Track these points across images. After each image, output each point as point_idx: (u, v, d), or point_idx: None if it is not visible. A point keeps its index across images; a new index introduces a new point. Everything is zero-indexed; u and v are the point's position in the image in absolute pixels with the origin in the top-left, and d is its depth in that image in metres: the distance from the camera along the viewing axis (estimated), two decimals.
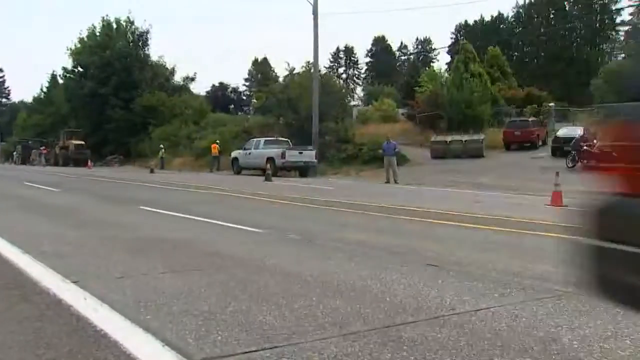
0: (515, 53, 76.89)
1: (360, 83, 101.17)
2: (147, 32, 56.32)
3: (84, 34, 55.74)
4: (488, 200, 15.29)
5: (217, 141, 37.92)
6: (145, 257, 5.70)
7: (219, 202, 13.00)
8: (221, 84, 78.26)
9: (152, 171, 33.44)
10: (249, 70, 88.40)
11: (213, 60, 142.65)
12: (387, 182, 23.90)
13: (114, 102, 50.64)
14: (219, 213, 10.33)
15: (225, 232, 7.70)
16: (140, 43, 56.02)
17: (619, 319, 3.67)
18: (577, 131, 29.09)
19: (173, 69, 59.01)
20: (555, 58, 69.60)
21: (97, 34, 55.40)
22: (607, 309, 3.87)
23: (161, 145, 42.02)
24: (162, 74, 56.65)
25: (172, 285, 4.42)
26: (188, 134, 46.12)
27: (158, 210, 10.48)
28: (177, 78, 59.58)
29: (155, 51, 79.25)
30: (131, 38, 55.80)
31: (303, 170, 29.54)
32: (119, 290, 4.19)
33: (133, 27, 56.18)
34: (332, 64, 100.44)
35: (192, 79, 60.51)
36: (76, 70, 55.65)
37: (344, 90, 42.98)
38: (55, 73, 66.46)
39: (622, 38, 74.33)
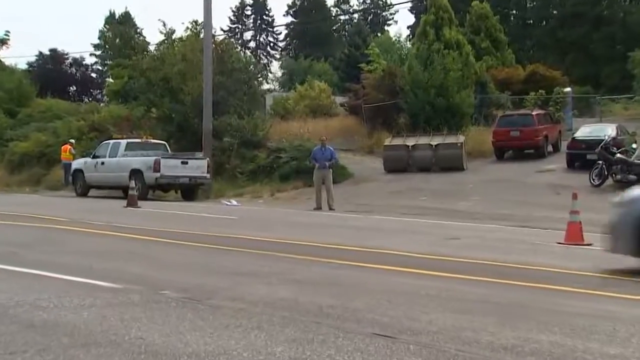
0: (514, 12, 78.82)
1: (278, 56, 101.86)
2: None
3: None
4: (468, 235, 15.63)
5: (72, 140, 36.84)
6: None
7: (51, 242, 12.66)
8: (54, 51, 76.50)
9: None
10: (101, 32, 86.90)
11: (40, 14, 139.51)
12: (319, 208, 24.01)
13: None
14: (52, 259, 10.07)
15: (62, 290, 7.52)
16: None
17: None
18: (606, 131, 29.96)
19: None
20: (574, 19, 69.78)
21: None
22: None
23: None
24: None
25: None
26: None
27: None
28: None
29: None
30: None
31: (188, 190, 29.22)
32: None
33: None
34: (233, 26, 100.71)
35: (3, 42, 58.90)
36: None
37: (252, 67, 42.97)
38: None
39: None
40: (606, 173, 26.10)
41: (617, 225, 10.19)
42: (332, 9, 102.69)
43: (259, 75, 45.75)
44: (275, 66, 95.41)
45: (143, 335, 5.45)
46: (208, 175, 29.22)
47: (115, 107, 48.10)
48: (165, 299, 7.11)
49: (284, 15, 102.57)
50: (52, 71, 71.63)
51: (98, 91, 78.28)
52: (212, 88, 31.99)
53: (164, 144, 31.06)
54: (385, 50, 60.29)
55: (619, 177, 25.71)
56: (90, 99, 71.83)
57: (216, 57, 34.40)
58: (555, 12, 74.87)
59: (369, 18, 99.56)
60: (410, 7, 79.84)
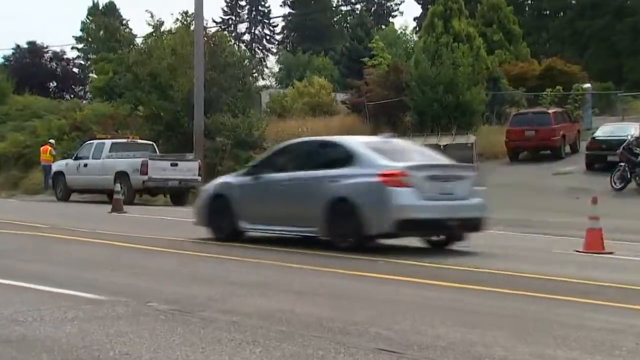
0: (528, 2, 78.68)
1: (274, 50, 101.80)
2: None
3: None
4: (479, 243, 15.59)
5: (52, 140, 36.75)
6: None
7: (30, 250, 12.66)
8: (33, 44, 76.44)
9: None
10: (84, 24, 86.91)
11: (17, 3, 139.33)
12: None
13: None
14: (31, 269, 10.08)
15: (42, 302, 7.51)
16: None
17: None
18: (628, 130, 29.84)
19: None
20: (595, 9, 69.45)
21: None
22: None
23: None
24: None
25: None
26: None
27: None
28: None
29: None
30: None
31: (178, 194, 29.17)
32: None
33: None
34: (227, 18, 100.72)
35: None
36: None
37: (247, 62, 42.98)
38: None
39: None
40: (629, 176, 25.95)
41: (199, 206, 15.17)
42: None
43: (254, 71, 45.73)
44: (271, 61, 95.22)
45: (129, 350, 5.44)
46: (199, 178, 29.12)
47: (99, 104, 48.04)
48: (152, 311, 7.10)
49: (280, 5, 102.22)
50: (30, 66, 71.48)
51: (80, 87, 78.14)
52: (203, 84, 31.94)
53: (152, 145, 30.99)
54: (390, 43, 60.35)
55: None
56: (72, 96, 71.60)
57: (208, 51, 34.38)
58: (573, 2, 74.36)
59: (373, 9, 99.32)
60: None
